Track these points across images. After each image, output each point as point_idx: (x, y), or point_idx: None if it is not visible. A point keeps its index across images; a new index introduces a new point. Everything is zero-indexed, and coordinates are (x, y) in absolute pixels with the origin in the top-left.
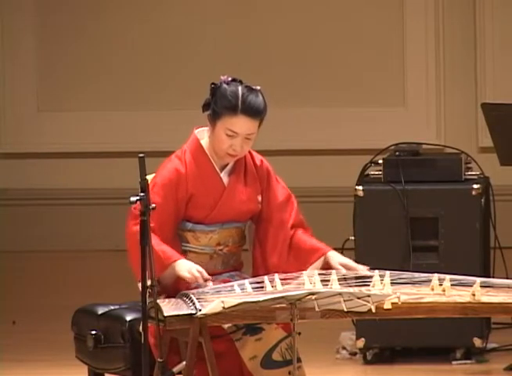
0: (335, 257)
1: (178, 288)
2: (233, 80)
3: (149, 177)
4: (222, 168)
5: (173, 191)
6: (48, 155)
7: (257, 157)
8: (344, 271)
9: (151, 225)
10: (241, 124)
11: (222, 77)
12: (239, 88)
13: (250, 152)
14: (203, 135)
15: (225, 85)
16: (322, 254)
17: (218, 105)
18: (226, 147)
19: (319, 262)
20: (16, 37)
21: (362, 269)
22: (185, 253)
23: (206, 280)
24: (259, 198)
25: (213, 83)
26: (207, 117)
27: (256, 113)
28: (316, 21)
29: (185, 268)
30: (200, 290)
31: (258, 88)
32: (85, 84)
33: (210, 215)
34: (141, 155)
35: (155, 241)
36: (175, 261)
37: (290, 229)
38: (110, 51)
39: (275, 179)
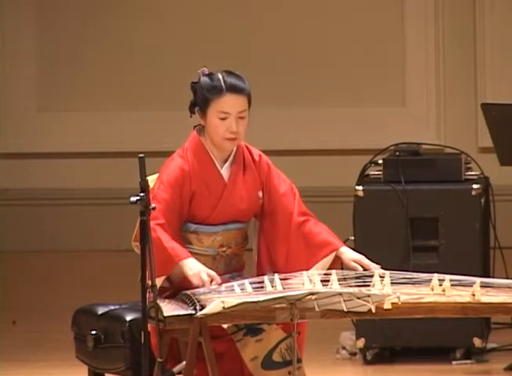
0: (348, 253)
1: (184, 287)
2: (210, 73)
3: (149, 178)
4: (222, 164)
5: (179, 189)
6: (48, 155)
7: (256, 152)
8: (360, 269)
9: (161, 222)
10: (230, 102)
11: (199, 71)
12: (218, 73)
13: (247, 148)
14: (201, 132)
15: (203, 77)
16: (334, 249)
17: (204, 93)
18: (223, 132)
19: (330, 257)
20: (16, 37)
21: (375, 267)
22: None
23: (219, 285)
24: (260, 194)
25: (192, 82)
26: (198, 115)
27: (241, 89)
28: (316, 22)
29: (194, 270)
30: (201, 290)
31: (237, 72)
32: (85, 84)
33: (212, 214)
34: (141, 155)
35: (165, 238)
36: (184, 259)
37: (296, 217)
38: (110, 51)
39: (276, 172)
